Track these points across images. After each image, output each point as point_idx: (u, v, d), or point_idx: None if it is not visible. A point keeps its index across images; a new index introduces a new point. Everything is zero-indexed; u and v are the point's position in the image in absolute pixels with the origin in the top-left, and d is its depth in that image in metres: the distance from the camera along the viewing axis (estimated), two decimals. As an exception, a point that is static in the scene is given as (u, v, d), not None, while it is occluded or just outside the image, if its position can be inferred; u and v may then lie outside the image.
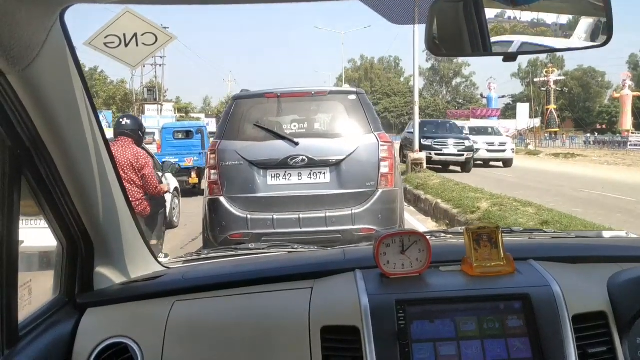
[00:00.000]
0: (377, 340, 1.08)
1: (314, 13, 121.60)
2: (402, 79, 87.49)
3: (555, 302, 1.12)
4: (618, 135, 43.54)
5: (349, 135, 4.91)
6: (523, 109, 47.44)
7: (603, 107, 67.71)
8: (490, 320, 1.12)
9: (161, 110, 27.97)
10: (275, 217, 4.72)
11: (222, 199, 4.76)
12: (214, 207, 4.82)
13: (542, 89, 44.96)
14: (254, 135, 4.90)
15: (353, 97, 5.06)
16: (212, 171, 4.82)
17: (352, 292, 1.17)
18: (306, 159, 4.78)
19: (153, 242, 5.09)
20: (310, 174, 4.85)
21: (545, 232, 1.94)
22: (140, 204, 4.80)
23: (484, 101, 55.62)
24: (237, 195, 4.77)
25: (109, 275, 1.29)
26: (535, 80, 55.68)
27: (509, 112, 59.75)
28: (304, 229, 4.71)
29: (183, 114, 45.12)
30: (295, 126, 5.04)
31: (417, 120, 15.40)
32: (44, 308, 1.17)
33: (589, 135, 47.39)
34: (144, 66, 27.18)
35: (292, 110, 5.17)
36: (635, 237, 1.71)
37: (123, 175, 4.55)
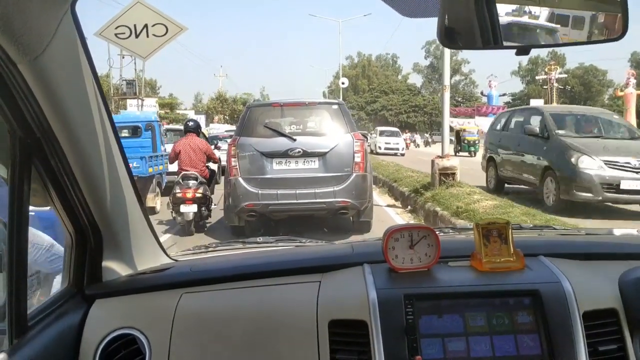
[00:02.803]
0: (385, 334, 1.07)
1: (309, 3, 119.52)
2: (399, 77, 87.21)
3: (566, 299, 1.11)
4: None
5: (332, 134, 6.78)
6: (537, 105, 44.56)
7: (605, 106, 67.48)
8: (499, 316, 1.11)
9: (142, 105, 26.34)
10: (278, 192, 6.52)
11: (240, 179, 6.58)
12: (233, 185, 6.59)
13: (544, 87, 44.18)
14: (263, 133, 6.75)
15: (335, 106, 7.03)
16: (233, 159, 6.63)
17: (361, 286, 1.17)
18: (301, 151, 6.60)
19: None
20: (304, 161, 6.66)
21: (554, 228, 1.93)
22: (203, 171, 7.63)
23: (484, 99, 54.51)
24: (251, 176, 6.59)
25: (117, 267, 1.28)
26: (537, 77, 54.93)
27: (508, 110, 58.96)
28: (299, 201, 6.53)
29: (168, 110, 42.69)
30: (293, 127, 6.85)
31: (446, 112, 10.50)
32: (52, 298, 1.17)
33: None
34: (123, 57, 25.90)
35: (291, 115, 7.00)
36: None
37: (193, 155, 7.51)
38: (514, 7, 1.08)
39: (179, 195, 7.17)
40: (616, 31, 1.03)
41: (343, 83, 37.58)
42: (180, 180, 7.36)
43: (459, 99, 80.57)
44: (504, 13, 1.07)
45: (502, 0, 1.07)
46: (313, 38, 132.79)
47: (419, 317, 1.10)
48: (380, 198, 11.38)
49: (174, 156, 7.63)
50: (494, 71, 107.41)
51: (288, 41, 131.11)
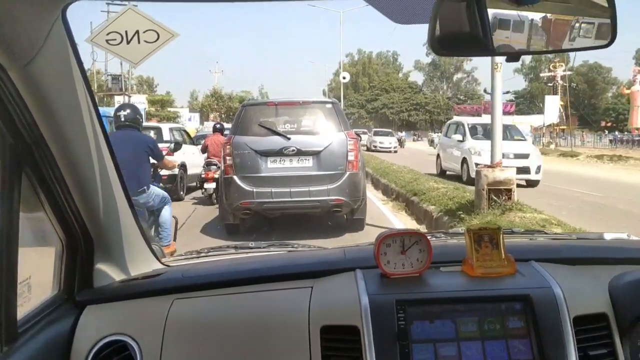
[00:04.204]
0: (376, 340, 1.08)
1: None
2: (400, 75, 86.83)
3: (556, 304, 1.12)
4: (627, 133, 41.28)
5: (326, 132, 6.84)
6: (552, 101, 38.57)
7: (610, 104, 66.97)
8: (490, 321, 1.11)
9: (129, 102, 25.50)
10: (273, 190, 6.59)
11: (235, 177, 6.65)
12: (229, 183, 6.70)
13: (548, 84, 43.52)
14: (258, 132, 6.82)
15: (329, 105, 7.12)
16: (228, 157, 6.74)
17: (352, 291, 1.17)
18: (295, 149, 6.66)
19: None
20: (298, 160, 6.73)
21: (546, 233, 1.93)
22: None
23: (487, 97, 53.75)
24: (246, 174, 6.66)
25: (108, 273, 1.28)
26: (541, 75, 54.31)
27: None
28: (293, 199, 6.60)
29: (159, 107, 40.05)
30: (288, 126, 6.93)
31: (498, 101, 7.57)
32: (43, 305, 1.17)
33: (616, 133, 43.08)
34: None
35: (286, 114, 7.10)
36: (637, 239, 1.69)
37: (217, 148, 9.62)
38: (505, 13, 1.08)
39: (203, 176, 10.11)
40: (606, 37, 1.03)
41: (344, 77, 36.81)
42: (205, 166, 10.15)
43: (462, 97, 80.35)
44: (495, 20, 1.06)
45: (493, 6, 1.07)
46: (313, 34, 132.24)
47: (410, 322, 1.11)
48: (395, 216, 8.81)
49: (204, 148, 10.47)
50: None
51: (287, 37, 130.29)
